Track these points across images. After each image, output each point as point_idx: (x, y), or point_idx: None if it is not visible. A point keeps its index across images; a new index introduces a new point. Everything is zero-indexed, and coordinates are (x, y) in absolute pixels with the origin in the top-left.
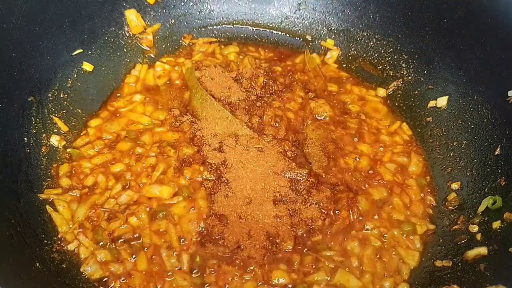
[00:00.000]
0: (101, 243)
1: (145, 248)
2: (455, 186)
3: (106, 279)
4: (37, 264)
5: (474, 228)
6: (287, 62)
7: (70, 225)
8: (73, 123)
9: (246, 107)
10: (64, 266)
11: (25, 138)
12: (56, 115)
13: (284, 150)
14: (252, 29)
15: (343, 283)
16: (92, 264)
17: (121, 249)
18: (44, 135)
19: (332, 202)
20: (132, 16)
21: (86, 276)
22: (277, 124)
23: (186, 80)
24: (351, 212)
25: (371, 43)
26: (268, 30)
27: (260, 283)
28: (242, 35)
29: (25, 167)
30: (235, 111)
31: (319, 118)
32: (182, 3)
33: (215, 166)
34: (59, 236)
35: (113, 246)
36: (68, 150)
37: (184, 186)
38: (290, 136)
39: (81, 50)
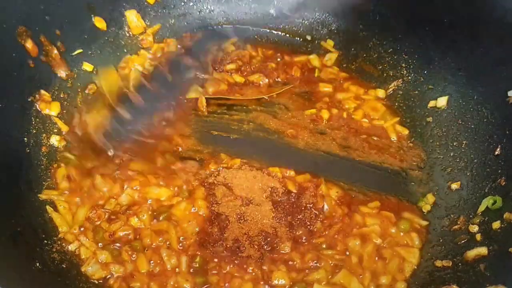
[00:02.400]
0: (102, 243)
1: (146, 249)
2: (455, 186)
3: (107, 278)
4: (37, 264)
5: (474, 228)
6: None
7: (70, 225)
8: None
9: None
10: (64, 266)
11: (25, 138)
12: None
13: None
14: (252, 29)
15: (344, 284)
16: (93, 264)
17: (122, 250)
18: (44, 135)
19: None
20: (132, 16)
21: (87, 276)
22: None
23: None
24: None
25: (371, 43)
26: (268, 30)
27: (261, 283)
28: (242, 35)
29: (25, 167)
30: None
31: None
32: (182, 3)
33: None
34: (60, 236)
35: (114, 246)
36: (65, 155)
37: (183, 187)
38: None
39: (81, 50)
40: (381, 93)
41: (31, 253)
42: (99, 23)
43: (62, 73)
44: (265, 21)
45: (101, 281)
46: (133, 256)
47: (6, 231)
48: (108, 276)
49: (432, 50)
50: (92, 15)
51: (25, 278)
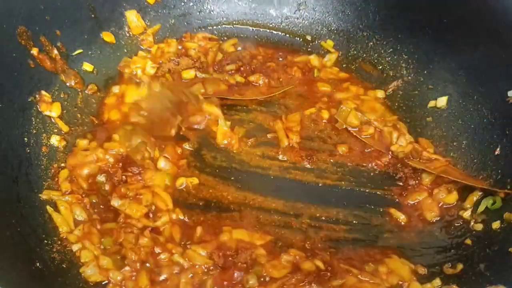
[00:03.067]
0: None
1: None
2: None
3: (104, 282)
4: (37, 264)
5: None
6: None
7: (71, 226)
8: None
9: None
10: (64, 266)
11: (25, 138)
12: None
13: None
14: (252, 29)
15: None
16: (92, 268)
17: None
18: (44, 135)
19: None
20: (132, 16)
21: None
22: None
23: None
24: None
25: (371, 43)
26: (268, 30)
27: None
28: (242, 35)
29: (25, 167)
30: None
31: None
32: (182, 3)
33: None
34: (61, 236)
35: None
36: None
37: None
38: None
39: (81, 50)
40: (380, 93)
41: (31, 253)
42: (108, 37)
43: (71, 82)
44: (265, 21)
45: (98, 284)
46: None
47: (6, 231)
48: (105, 281)
49: (432, 50)
50: (100, 31)
51: (25, 278)
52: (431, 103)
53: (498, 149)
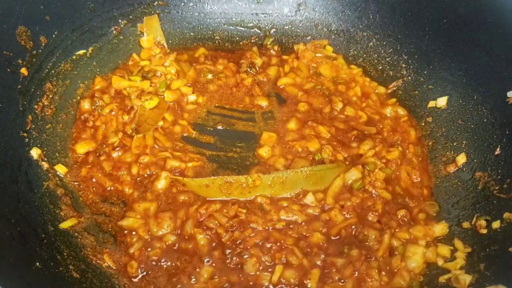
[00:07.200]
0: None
1: None
2: None
3: None
4: (37, 264)
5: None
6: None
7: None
8: None
9: None
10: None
11: (25, 138)
12: None
13: None
14: (252, 29)
15: None
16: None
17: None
18: (44, 135)
19: None
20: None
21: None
22: None
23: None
24: None
25: (371, 44)
26: (268, 31)
27: None
28: (241, 35)
29: (25, 167)
30: None
31: None
32: (182, 3)
33: None
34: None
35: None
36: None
37: None
38: None
39: (82, 51)
40: (381, 89)
41: (31, 253)
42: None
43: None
44: (265, 21)
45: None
46: None
47: (6, 231)
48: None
49: (432, 50)
50: (100, 32)
51: (25, 278)
52: (431, 103)
53: (498, 149)
